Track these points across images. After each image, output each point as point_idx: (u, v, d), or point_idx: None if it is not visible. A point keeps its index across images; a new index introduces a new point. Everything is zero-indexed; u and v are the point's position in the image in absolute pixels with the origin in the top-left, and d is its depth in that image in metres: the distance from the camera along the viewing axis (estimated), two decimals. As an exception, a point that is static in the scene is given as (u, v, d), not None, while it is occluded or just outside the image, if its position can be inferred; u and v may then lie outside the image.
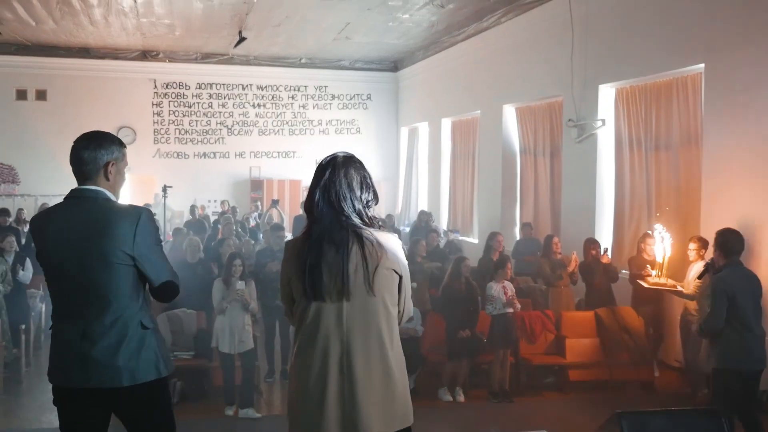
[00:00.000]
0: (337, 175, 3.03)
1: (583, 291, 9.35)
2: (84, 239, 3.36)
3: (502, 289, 7.96)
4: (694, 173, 8.94)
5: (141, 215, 3.44)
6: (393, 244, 3.03)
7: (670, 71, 9.23)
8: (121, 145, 3.66)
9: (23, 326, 8.50)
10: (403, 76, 19.51)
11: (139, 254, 3.39)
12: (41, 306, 9.49)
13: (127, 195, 18.01)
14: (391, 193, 20.00)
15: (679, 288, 7.43)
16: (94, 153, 3.48)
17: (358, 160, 3.15)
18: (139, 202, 17.70)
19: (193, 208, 16.04)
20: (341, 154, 3.14)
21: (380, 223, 3.15)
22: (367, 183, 3.09)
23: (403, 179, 19.61)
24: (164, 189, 12.28)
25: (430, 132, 17.76)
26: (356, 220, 3.02)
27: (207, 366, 7.98)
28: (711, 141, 8.43)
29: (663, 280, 7.75)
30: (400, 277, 3.05)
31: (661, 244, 7.95)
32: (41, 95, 18.08)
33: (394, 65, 19.63)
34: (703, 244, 7.39)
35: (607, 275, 8.91)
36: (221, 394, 7.88)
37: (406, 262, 3.11)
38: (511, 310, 7.92)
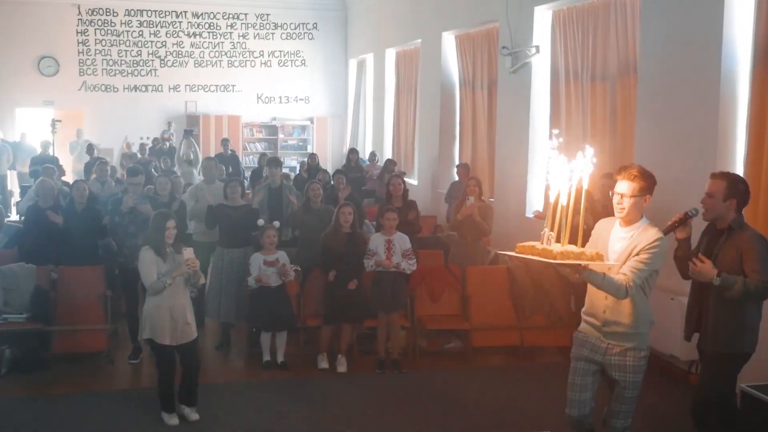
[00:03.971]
0: None
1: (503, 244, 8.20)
2: None
3: (385, 243, 6.78)
4: (631, 106, 7.71)
5: None
6: None
7: (608, -12, 7.93)
8: None
9: None
10: (352, 3, 18.00)
11: None
12: None
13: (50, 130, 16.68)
14: (339, 130, 18.71)
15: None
16: None
17: None
18: (64, 139, 16.51)
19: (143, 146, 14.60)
20: None
21: None
22: None
23: (351, 115, 18.27)
24: (53, 123, 10.88)
25: (375, 64, 16.37)
26: None
27: (46, 330, 6.84)
28: (646, 70, 7.19)
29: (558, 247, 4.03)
30: None
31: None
32: (-51, 22, 16.53)
33: (342, -9, 18.12)
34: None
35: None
36: (62, 363, 6.81)
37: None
38: (393, 268, 6.75)
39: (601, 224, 4.35)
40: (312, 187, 7.65)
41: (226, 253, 7.27)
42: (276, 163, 8.63)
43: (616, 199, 4.14)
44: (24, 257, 7.38)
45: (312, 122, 18.67)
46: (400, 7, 14.44)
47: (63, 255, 7.30)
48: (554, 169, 3.88)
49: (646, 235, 4.05)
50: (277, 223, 7.16)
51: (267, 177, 8.75)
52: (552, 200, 3.94)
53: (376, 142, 16.26)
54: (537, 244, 3.81)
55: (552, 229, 3.82)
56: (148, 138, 16.49)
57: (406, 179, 13.97)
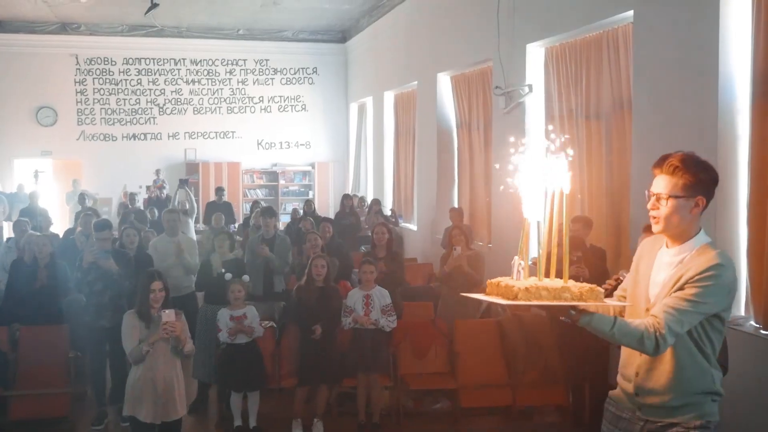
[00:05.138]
0: None
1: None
2: None
3: (363, 299, 6.30)
4: (626, 144, 7.27)
5: None
6: None
7: (600, 21, 7.53)
8: None
9: None
10: (351, 47, 17.78)
11: None
12: None
13: (50, 181, 16.48)
14: (341, 175, 18.35)
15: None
16: None
17: None
18: (62, 189, 16.26)
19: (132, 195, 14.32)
20: None
21: None
22: None
23: (353, 160, 17.92)
24: (35, 174, 10.58)
25: (374, 107, 16.06)
26: None
27: (3, 396, 6.40)
28: (640, 105, 6.75)
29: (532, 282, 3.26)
30: None
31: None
32: (-50, 73, 16.43)
33: (342, 36, 17.90)
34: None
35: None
36: (20, 430, 6.36)
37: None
38: (372, 326, 6.26)
39: (647, 243, 3.20)
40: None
41: (209, 310, 6.84)
42: (270, 213, 8.24)
43: (649, 204, 2.98)
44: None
45: (313, 167, 18.34)
46: (397, 49, 14.15)
47: (24, 314, 6.88)
48: (528, 177, 2.97)
49: (699, 260, 2.86)
50: (246, 278, 6.71)
51: (261, 227, 8.38)
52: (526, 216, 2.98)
53: (377, 186, 15.87)
54: (507, 280, 2.87)
55: (524, 258, 2.86)
56: (143, 187, 16.23)
57: (405, 224, 13.72)
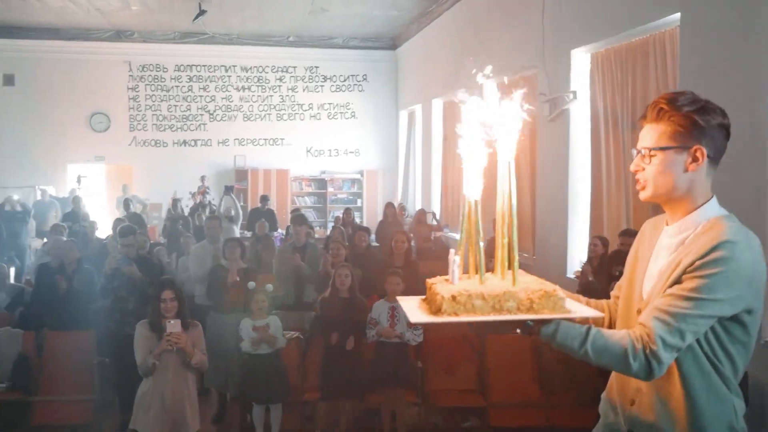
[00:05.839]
0: None
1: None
2: None
3: (389, 311, 6.07)
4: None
5: None
6: None
7: (645, 25, 7.18)
8: None
9: None
10: (402, 54, 17.60)
11: None
12: None
13: (102, 186, 16.71)
14: (390, 184, 18.15)
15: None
16: None
17: None
18: (113, 194, 16.46)
19: (176, 202, 14.48)
20: None
21: None
22: None
23: (402, 169, 17.70)
24: (78, 179, 10.69)
25: (423, 115, 15.83)
26: None
27: (26, 401, 6.36)
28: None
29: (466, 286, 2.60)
30: None
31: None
32: (8, 80, 16.79)
33: (392, 42, 17.74)
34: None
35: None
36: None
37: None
38: (397, 339, 6.02)
39: (649, 224, 2.45)
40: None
41: (217, 318, 6.70)
42: (300, 220, 8.09)
43: (633, 165, 2.29)
44: (26, 320, 7.00)
45: (362, 175, 18.20)
46: (445, 56, 13.92)
47: (50, 319, 6.86)
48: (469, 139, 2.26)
49: (703, 239, 2.09)
50: (269, 287, 6.54)
51: (292, 235, 8.23)
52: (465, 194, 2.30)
53: (424, 195, 15.63)
54: (438, 283, 2.22)
55: (460, 251, 2.23)
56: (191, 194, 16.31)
57: (451, 234, 13.43)
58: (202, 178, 16.07)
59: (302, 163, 18.00)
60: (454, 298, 2.05)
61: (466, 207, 2.30)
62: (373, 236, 11.88)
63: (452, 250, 2.27)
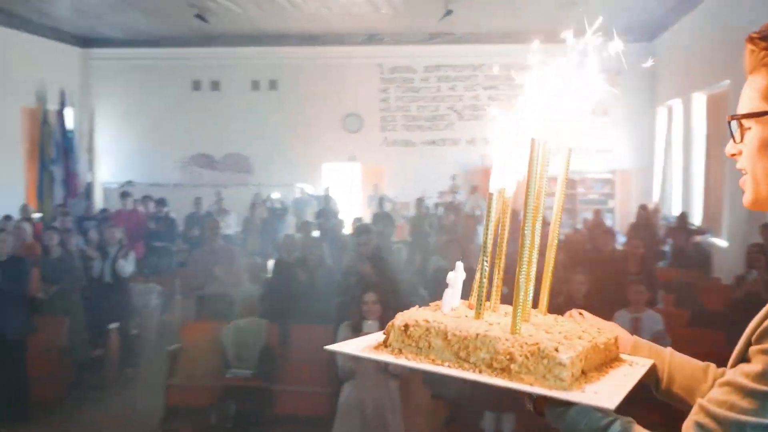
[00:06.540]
0: None
1: None
2: None
3: (631, 322, 5.51)
4: None
5: None
6: None
7: None
8: None
9: (115, 325, 7.82)
10: (659, 46, 16.41)
11: None
12: (157, 302, 8.78)
13: (355, 185, 17.42)
14: (645, 185, 17.01)
15: None
16: None
17: None
18: (366, 194, 17.08)
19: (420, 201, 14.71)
20: None
21: None
22: None
23: (661, 168, 16.50)
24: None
25: (684, 110, 14.62)
26: None
27: (268, 389, 6.62)
28: None
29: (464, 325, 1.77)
30: None
31: None
32: (273, 85, 18.05)
33: (648, 34, 16.59)
34: None
35: None
36: (285, 424, 6.54)
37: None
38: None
39: None
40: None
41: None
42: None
43: (729, 147, 1.48)
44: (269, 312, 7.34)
45: (614, 175, 17.23)
46: (706, 46, 12.73)
47: (297, 311, 7.11)
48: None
49: None
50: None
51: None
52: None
53: (684, 197, 14.44)
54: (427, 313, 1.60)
55: (488, 256, 1.63)
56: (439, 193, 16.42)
57: (714, 239, 12.25)
58: (453, 177, 16.11)
59: (551, 162, 17.38)
60: (406, 328, 1.49)
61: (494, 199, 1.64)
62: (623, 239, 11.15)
63: (459, 263, 1.68)
